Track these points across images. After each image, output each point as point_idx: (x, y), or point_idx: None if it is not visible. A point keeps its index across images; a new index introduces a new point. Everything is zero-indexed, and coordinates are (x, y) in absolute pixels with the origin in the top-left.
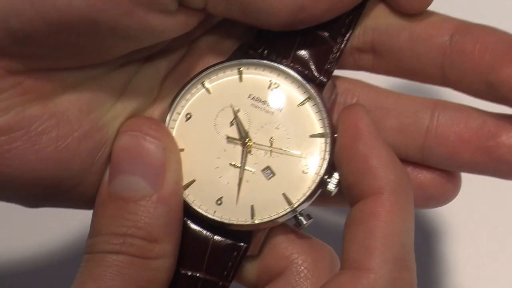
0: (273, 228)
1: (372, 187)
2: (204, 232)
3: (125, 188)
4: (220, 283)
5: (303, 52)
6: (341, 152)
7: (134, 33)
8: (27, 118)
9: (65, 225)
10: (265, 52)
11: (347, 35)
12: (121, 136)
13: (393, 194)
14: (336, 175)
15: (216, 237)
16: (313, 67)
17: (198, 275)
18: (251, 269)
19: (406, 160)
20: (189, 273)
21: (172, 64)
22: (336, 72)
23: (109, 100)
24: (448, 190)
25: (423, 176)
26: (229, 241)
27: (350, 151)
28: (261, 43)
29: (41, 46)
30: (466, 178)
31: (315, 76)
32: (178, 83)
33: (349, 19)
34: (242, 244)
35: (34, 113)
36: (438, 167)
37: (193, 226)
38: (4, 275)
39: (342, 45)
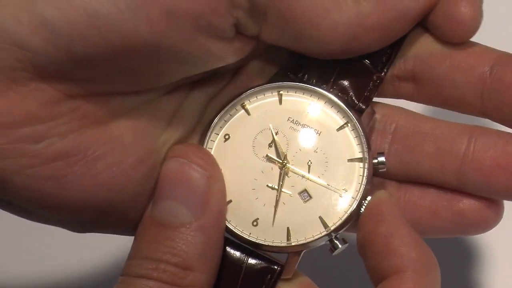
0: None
1: (395, 266)
2: (238, 254)
3: (166, 213)
4: None
5: (343, 79)
6: (364, 237)
7: (193, 59)
8: (84, 143)
9: (107, 247)
10: (305, 76)
11: (388, 63)
12: (168, 162)
13: (416, 272)
14: (369, 199)
15: (250, 260)
16: (352, 93)
17: None
18: None
19: (442, 186)
20: None
21: (219, 88)
22: (375, 99)
23: (161, 125)
24: (488, 217)
25: (463, 203)
26: (263, 264)
27: (372, 234)
28: (302, 68)
29: (101, 70)
30: (508, 205)
31: (355, 103)
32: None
33: (390, 48)
34: (276, 267)
35: (90, 138)
36: (474, 193)
37: (227, 248)
38: None
39: (383, 74)
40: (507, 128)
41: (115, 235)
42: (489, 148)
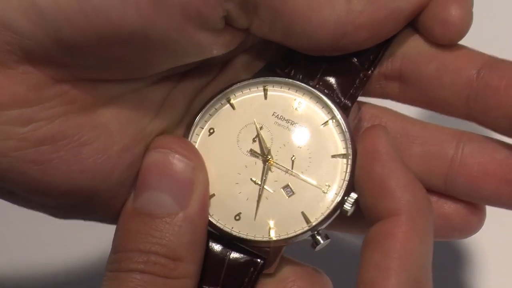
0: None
1: (390, 209)
2: (221, 247)
3: (151, 204)
4: None
5: (329, 75)
6: (359, 173)
7: (182, 49)
8: (71, 128)
9: (86, 239)
10: (292, 72)
11: (376, 61)
12: (150, 153)
13: (411, 215)
14: (353, 195)
15: (233, 253)
16: (338, 90)
17: None
18: None
19: (429, 190)
20: None
21: (207, 81)
22: (362, 99)
23: (149, 115)
24: (472, 222)
25: (448, 207)
26: (245, 257)
27: (367, 172)
28: (288, 63)
29: (89, 57)
30: (494, 209)
31: (340, 99)
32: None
33: (378, 46)
34: (258, 260)
35: (77, 123)
36: (460, 198)
37: (210, 241)
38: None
39: (369, 71)
40: (492, 132)
41: (96, 229)
42: (477, 155)
